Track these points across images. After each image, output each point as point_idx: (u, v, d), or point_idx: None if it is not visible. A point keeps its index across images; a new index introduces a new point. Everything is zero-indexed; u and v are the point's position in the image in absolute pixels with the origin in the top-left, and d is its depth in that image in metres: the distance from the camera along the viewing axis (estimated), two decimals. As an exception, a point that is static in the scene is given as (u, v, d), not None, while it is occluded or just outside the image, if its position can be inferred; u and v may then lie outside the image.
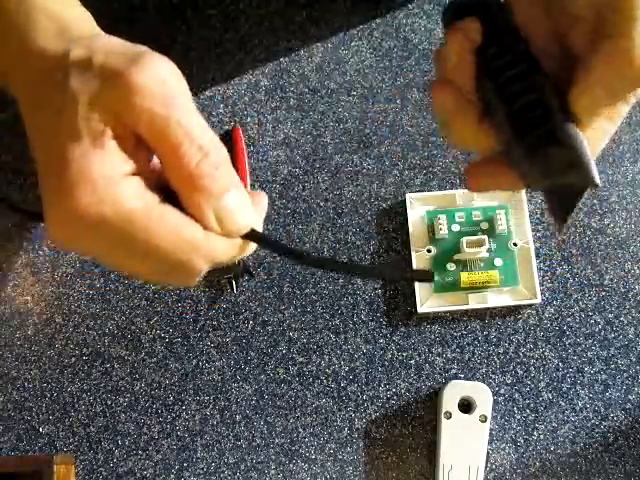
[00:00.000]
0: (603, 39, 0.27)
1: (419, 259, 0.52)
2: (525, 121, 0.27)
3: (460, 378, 0.51)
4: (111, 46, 0.28)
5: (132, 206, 0.27)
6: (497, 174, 0.31)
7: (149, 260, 0.29)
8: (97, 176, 0.26)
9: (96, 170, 0.26)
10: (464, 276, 0.51)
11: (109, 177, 0.27)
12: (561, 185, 0.27)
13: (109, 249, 0.28)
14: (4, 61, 0.30)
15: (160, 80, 0.27)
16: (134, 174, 0.28)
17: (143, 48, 0.28)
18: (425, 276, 0.35)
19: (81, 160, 0.26)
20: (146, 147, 0.28)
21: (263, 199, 0.33)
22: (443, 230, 0.52)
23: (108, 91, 0.26)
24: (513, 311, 0.52)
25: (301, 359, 0.51)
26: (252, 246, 0.32)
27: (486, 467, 0.49)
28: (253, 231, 0.30)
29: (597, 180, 0.27)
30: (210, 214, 0.28)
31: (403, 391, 0.51)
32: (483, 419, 0.48)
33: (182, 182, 0.28)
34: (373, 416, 0.50)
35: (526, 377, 0.51)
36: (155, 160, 0.29)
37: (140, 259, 0.29)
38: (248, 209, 0.30)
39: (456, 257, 0.52)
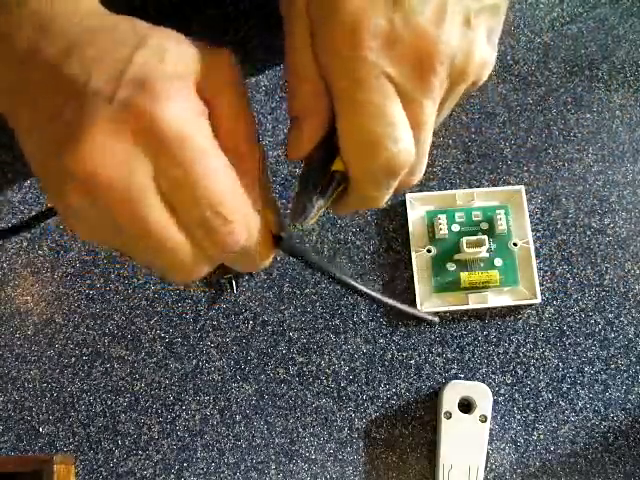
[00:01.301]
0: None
1: (419, 259, 0.52)
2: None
3: (460, 378, 0.51)
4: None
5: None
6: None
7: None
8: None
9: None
10: (464, 276, 0.51)
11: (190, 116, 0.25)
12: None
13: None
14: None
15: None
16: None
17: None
18: (429, 321, 0.37)
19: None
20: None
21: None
22: (443, 230, 0.51)
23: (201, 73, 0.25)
24: (513, 311, 0.52)
25: (301, 359, 0.51)
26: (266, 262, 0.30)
27: (486, 467, 0.49)
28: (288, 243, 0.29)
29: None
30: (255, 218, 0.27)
31: (403, 391, 0.51)
32: (483, 419, 0.48)
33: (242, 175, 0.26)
34: (373, 416, 0.50)
35: (526, 377, 0.51)
36: None
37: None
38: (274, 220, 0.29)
39: (456, 257, 0.52)
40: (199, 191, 0.25)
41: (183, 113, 0.24)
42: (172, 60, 0.25)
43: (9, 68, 0.26)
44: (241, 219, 0.26)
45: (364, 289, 0.31)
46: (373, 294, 0.32)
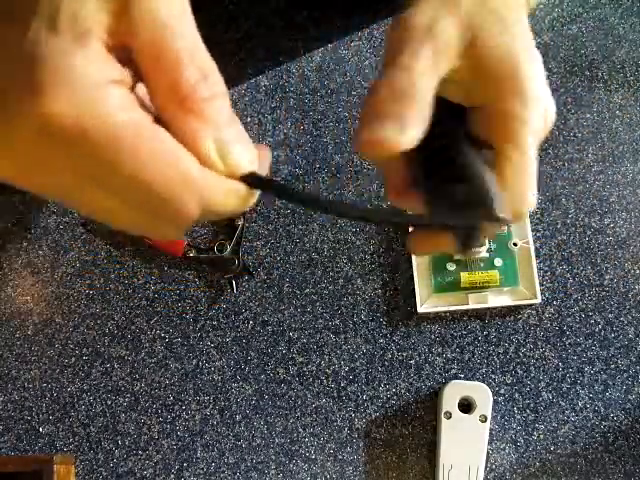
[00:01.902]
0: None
1: (419, 259, 0.52)
2: (434, 166, 0.29)
3: (460, 378, 0.51)
4: None
5: (119, 119, 0.21)
6: (433, 237, 0.30)
7: (131, 194, 0.23)
8: (77, 76, 0.21)
9: (77, 69, 0.21)
10: (464, 276, 0.51)
11: (93, 80, 0.21)
12: (466, 221, 0.27)
13: (81, 177, 0.23)
14: None
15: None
16: (122, 84, 0.22)
17: None
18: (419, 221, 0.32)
19: (59, 55, 0.21)
20: (133, 66, 0.23)
21: (267, 151, 0.28)
22: (443, 230, 0.51)
23: None
24: (513, 311, 0.52)
25: (301, 359, 0.51)
26: (251, 199, 0.26)
27: (486, 467, 0.49)
28: (255, 174, 0.25)
29: (501, 215, 0.27)
30: (210, 144, 0.23)
31: (403, 391, 0.51)
32: (483, 419, 0.48)
33: (178, 105, 0.23)
34: (373, 416, 0.50)
35: (526, 377, 0.51)
36: (138, 90, 0.24)
37: (119, 192, 0.23)
38: (252, 149, 0.25)
39: (456, 257, 0.52)
40: (123, 180, 0.22)
41: (73, 105, 0.21)
42: (65, 21, 0.21)
43: None
44: (183, 194, 0.23)
45: (357, 210, 0.27)
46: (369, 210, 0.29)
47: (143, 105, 0.23)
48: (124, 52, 0.22)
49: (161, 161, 0.22)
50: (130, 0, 0.22)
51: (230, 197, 0.25)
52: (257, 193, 0.26)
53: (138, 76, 0.23)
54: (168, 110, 0.23)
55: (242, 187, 0.25)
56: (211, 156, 0.24)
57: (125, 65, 0.23)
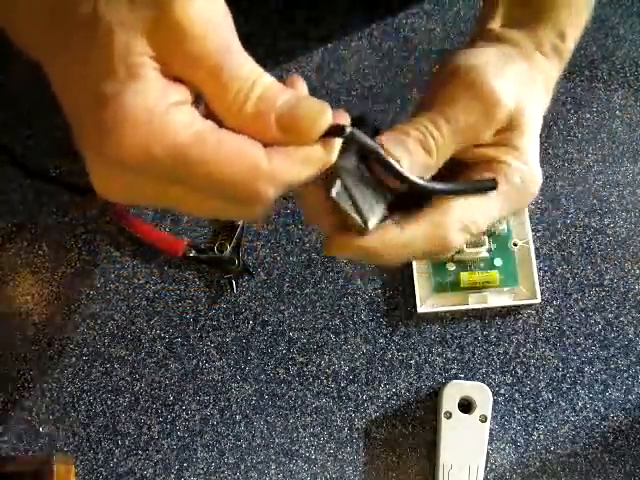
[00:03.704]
0: None
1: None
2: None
3: (460, 378, 0.51)
4: None
5: (183, 137, 0.24)
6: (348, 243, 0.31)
7: (211, 194, 0.26)
8: (138, 110, 0.23)
9: (136, 103, 0.23)
10: (464, 276, 0.51)
11: (151, 109, 0.24)
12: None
13: (165, 190, 0.26)
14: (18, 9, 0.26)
15: (203, 10, 0.24)
16: (182, 103, 0.25)
17: None
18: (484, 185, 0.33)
19: (118, 95, 0.23)
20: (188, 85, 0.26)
21: (299, 82, 0.29)
22: (443, 230, 0.51)
23: (149, 21, 0.23)
24: (513, 311, 0.52)
25: (301, 359, 0.51)
26: (328, 156, 0.27)
27: (486, 467, 0.49)
28: (337, 126, 0.27)
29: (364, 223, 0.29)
30: (272, 124, 0.26)
31: (403, 391, 0.51)
32: (483, 419, 0.48)
33: (235, 118, 0.25)
34: (373, 416, 0.50)
35: (526, 377, 0.51)
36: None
37: (201, 195, 0.26)
38: (311, 99, 0.27)
39: (456, 257, 0.52)
40: (199, 182, 0.25)
41: (139, 138, 0.24)
42: (119, 61, 0.24)
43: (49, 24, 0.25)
44: (255, 183, 0.26)
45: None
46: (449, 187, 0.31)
47: (208, 112, 0.26)
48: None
49: (228, 160, 0.25)
50: (181, 34, 0.24)
51: (306, 165, 0.27)
52: (336, 148, 0.27)
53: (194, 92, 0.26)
54: (230, 122, 0.26)
55: (314, 150, 0.27)
56: (281, 137, 0.26)
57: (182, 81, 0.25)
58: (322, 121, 0.26)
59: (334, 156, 0.27)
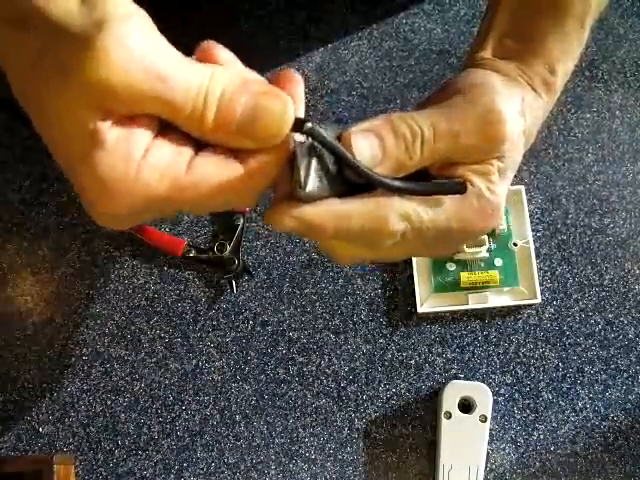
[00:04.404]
0: None
1: (419, 259, 0.52)
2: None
3: (460, 378, 0.51)
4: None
5: (161, 191, 0.26)
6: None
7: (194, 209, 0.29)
8: (111, 178, 0.25)
9: (108, 172, 0.25)
10: (464, 276, 0.51)
11: (124, 175, 0.25)
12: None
13: (153, 216, 0.29)
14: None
15: (124, 55, 0.24)
16: (156, 136, 0.26)
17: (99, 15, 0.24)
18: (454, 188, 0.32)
19: (90, 164, 0.25)
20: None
21: (294, 80, 0.29)
22: (443, 230, 0.51)
23: (82, 94, 0.25)
24: (513, 311, 0.52)
25: (301, 359, 0.51)
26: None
27: (486, 467, 0.49)
28: (298, 121, 0.27)
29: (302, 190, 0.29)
30: (235, 131, 0.27)
31: (403, 391, 0.51)
32: (483, 419, 0.48)
33: (199, 132, 0.27)
34: (373, 416, 0.50)
35: (526, 377, 0.51)
36: None
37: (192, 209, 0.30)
38: (271, 98, 0.27)
39: (456, 257, 0.52)
40: (196, 209, 0.29)
41: (122, 206, 0.26)
42: (115, 141, 0.25)
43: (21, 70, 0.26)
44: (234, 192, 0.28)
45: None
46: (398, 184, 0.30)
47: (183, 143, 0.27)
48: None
49: (208, 196, 0.27)
50: (110, 90, 0.24)
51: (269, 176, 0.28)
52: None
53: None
54: (194, 132, 0.27)
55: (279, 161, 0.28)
56: (244, 143, 0.27)
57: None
58: (284, 124, 0.27)
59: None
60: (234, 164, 0.27)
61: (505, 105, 0.31)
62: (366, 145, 0.29)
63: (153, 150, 0.26)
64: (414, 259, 0.52)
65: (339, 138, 0.29)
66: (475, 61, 0.35)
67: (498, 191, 0.32)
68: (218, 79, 0.27)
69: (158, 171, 0.26)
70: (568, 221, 0.54)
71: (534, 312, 0.52)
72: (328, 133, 0.28)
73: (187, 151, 0.27)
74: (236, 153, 0.27)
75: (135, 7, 0.25)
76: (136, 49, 0.25)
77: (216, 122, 0.26)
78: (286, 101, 0.27)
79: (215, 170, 0.27)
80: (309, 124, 0.27)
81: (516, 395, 0.51)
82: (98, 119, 0.25)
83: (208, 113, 0.26)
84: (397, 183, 0.30)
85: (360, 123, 0.30)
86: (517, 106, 0.32)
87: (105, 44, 0.24)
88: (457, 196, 0.31)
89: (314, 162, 0.28)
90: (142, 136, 0.26)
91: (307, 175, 0.28)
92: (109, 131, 0.25)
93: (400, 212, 0.30)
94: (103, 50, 0.24)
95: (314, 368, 0.51)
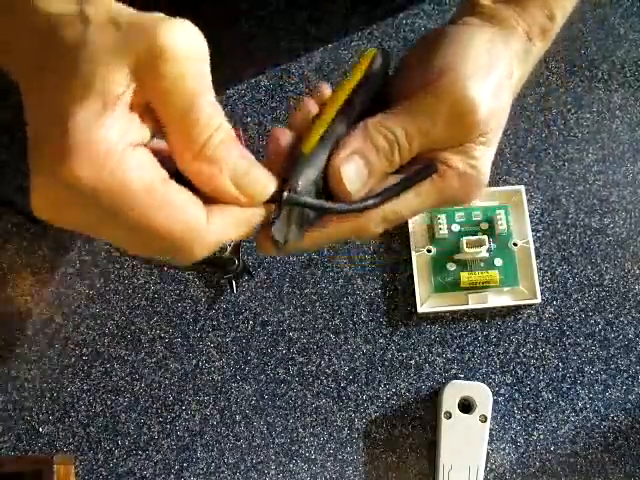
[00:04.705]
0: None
1: (419, 259, 0.52)
2: None
3: (460, 378, 0.51)
4: (129, 10, 0.25)
5: (133, 180, 0.25)
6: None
7: (143, 238, 0.27)
8: (100, 142, 0.24)
9: (101, 136, 0.24)
10: (464, 276, 0.51)
11: (114, 145, 0.24)
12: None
13: (99, 222, 0.26)
14: (3, 28, 0.27)
15: (190, 46, 0.25)
16: (142, 145, 0.26)
17: (161, 14, 0.26)
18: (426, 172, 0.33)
19: (87, 123, 0.24)
20: (153, 119, 0.26)
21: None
22: (443, 230, 0.51)
23: (136, 51, 0.24)
24: (513, 311, 0.52)
25: (301, 359, 0.51)
26: (269, 214, 0.30)
27: (486, 467, 0.49)
28: (282, 192, 0.29)
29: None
30: (227, 181, 0.27)
31: (403, 391, 0.51)
32: (483, 419, 0.48)
33: (194, 156, 0.26)
34: (373, 416, 0.50)
35: (526, 377, 0.51)
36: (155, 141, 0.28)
37: (134, 236, 0.27)
38: (264, 175, 0.29)
39: (456, 257, 0.52)
40: (136, 225, 0.26)
41: (94, 170, 0.24)
42: (100, 87, 0.24)
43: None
44: (189, 243, 0.27)
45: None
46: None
47: (161, 158, 0.27)
48: (145, 107, 0.26)
49: (169, 216, 0.26)
50: (160, 68, 0.25)
51: (242, 227, 0.29)
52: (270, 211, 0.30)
53: (157, 125, 0.27)
54: (185, 159, 0.26)
55: (253, 214, 0.29)
56: (232, 192, 0.27)
57: (144, 116, 0.26)
58: (267, 192, 0.29)
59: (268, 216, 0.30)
60: (203, 210, 0.27)
61: (477, 89, 0.31)
62: (353, 171, 0.31)
63: (141, 150, 0.26)
64: (414, 260, 0.52)
65: (325, 170, 0.31)
66: (474, 8, 0.35)
67: (480, 164, 0.33)
68: (227, 125, 0.27)
69: (148, 161, 0.26)
70: (568, 221, 0.54)
71: (534, 312, 0.52)
72: (308, 184, 0.30)
73: (164, 172, 0.27)
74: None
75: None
76: (203, 48, 0.27)
77: (214, 154, 0.26)
78: (271, 180, 0.29)
79: (184, 202, 0.27)
80: (285, 194, 0.29)
81: (516, 395, 0.51)
82: (126, 84, 0.25)
83: (212, 142, 0.26)
84: (375, 200, 0.31)
85: (341, 146, 0.31)
86: (496, 78, 0.32)
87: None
88: (436, 181, 0.32)
89: (294, 214, 0.30)
90: (140, 132, 0.26)
91: (287, 232, 0.30)
92: (122, 106, 0.25)
93: (377, 220, 0.32)
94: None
95: (314, 368, 0.51)
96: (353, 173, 0.30)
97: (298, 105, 0.32)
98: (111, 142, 0.24)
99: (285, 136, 0.31)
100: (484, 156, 0.33)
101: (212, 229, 0.27)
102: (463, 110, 0.31)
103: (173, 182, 0.26)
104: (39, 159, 0.25)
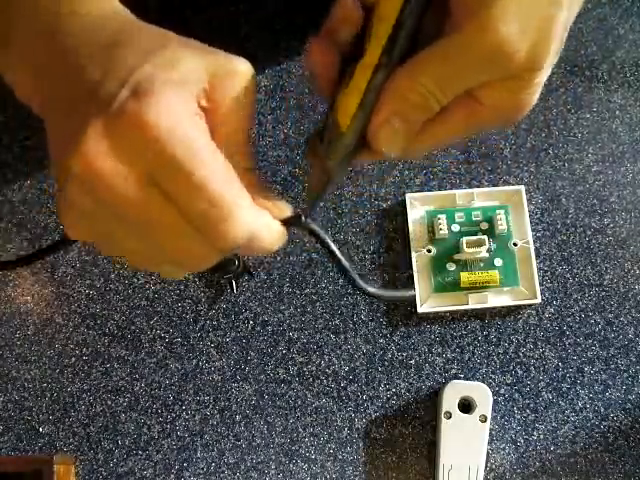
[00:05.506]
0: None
1: (419, 259, 0.52)
2: None
3: (460, 378, 0.51)
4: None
5: (202, 137, 0.28)
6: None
7: (194, 195, 0.27)
8: (180, 95, 0.27)
9: (183, 92, 0.28)
10: (464, 276, 0.51)
11: (192, 103, 0.28)
12: None
13: (148, 178, 0.27)
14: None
15: (253, 76, 0.29)
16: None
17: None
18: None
19: (172, 85, 0.27)
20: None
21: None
22: (443, 230, 0.51)
23: (214, 61, 0.29)
24: (513, 311, 0.52)
25: (301, 359, 0.51)
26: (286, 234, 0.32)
27: (486, 467, 0.49)
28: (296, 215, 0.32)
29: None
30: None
31: (403, 391, 0.51)
32: (483, 419, 0.48)
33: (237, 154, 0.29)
34: (373, 416, 0.50)
35: (526, 377, 0.51)
36: None
37: (183, 195, 0.28)
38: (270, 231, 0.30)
39: (456, 257, 0.52)
40: (193, 185, 0.26)
41: (174, 114, 0.26)
42: (182, 69, 0.27)
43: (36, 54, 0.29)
44: (240, 211, 0.27)
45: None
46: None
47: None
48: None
49: (225, 181, 0.27)
50: (225, 86, 0.29)
51: (269, 232, 0.30)
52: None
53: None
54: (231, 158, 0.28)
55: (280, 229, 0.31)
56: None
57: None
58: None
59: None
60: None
61: (513, 26, 0.27)
62: (391, 133, 0.30)
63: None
64: (414, 260, 0.52)
65: (363, 138, 0.31)
66: None
67: (532, 91, 0.30)
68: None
69: (207, 130, 0.28)
70: (568, 221, 0.54)
71: (534, 312, 0.52)
72: (347, 150, 0.31)
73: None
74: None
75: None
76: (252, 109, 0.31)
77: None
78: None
79: (232, 173, 0.28)
80: (303, 218, 0.32)
81: (516, 395, 0.51)
82: (202, 82, 0.28)
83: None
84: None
85: (375, 112, 0.30)
86: (540, 16, 0.28)
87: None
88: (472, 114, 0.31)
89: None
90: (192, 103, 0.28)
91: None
92: (193, 90, 0.28)
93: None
94: None
95: (314, 368, 0.51)
96: (391, 135, 0.30)
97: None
98: (189, 100, 0.27)
99: (327, 57, 0.33)
100: (537, 81, 0.30)
101: (253, 211, 0.29)
102: (496, 51, 0.28)
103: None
104: (107, 107, 0.26)
